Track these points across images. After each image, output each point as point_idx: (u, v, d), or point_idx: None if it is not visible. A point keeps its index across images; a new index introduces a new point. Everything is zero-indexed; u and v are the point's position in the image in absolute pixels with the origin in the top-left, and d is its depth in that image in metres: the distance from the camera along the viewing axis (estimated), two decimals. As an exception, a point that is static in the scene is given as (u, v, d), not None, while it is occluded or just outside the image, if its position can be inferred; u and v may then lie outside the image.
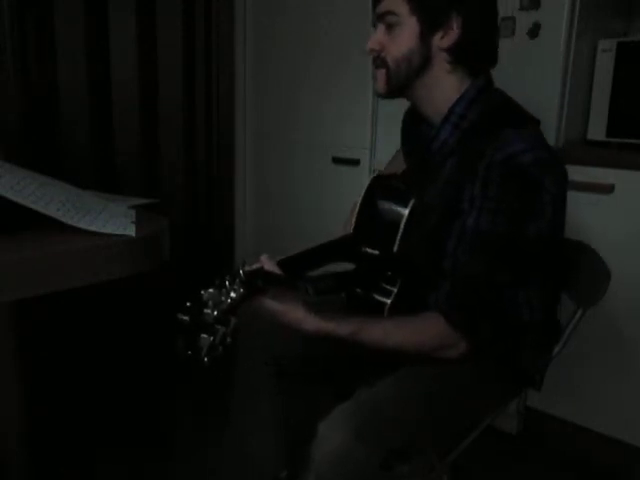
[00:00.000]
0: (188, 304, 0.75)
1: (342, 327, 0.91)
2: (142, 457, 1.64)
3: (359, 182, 2.09)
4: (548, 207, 0.89)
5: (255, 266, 0.87)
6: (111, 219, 0.84)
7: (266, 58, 2.38)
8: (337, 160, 2.16)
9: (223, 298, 0.76)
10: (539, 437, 1.77)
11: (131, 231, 0.81)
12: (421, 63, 0.95)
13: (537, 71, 1.62)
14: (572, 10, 1.57)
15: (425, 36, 0.93)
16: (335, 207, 2.14)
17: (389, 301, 1.00)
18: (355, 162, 2.10)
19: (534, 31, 1.61)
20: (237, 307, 0.77)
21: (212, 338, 0.74)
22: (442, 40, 0.94)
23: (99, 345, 2.02)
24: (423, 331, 0.94)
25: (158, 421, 1.83)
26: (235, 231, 2.61)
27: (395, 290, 1.00)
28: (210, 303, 0.75)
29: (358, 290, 1.05)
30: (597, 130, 1.66)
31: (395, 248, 0.99)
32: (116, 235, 0.79)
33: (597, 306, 1.09)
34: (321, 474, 0.89)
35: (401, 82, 0.97)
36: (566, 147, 1.65)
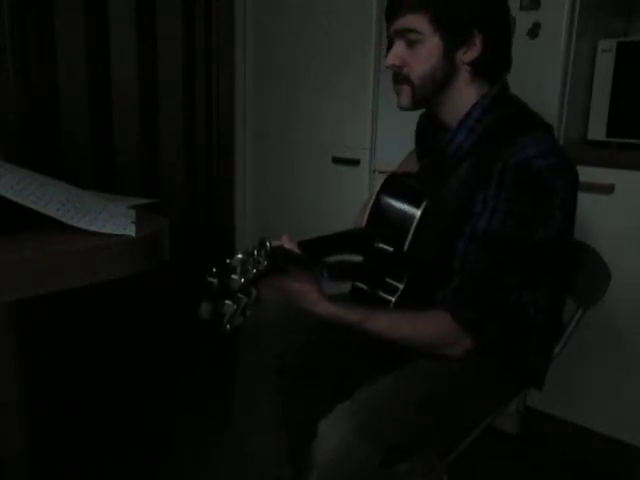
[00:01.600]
0: (215, 269, 0.74)
1: (351, 314, 0.93)
2: (142, 457, 1.63)
3: (359, 182, 2.09)
4: (558, 211, 0.91)
5: (276, 243, 0.87)
6: (111, 219, 0.84)
7: (266, 58, 2.38)
8: (337, 160, 2.16)
9: (250, 267, 0.75)
10: (539, 437, 1.77)
11: (131, 231, 0.80)
12: (445, 78, 0.97)
13: (537, 71, 1.62)
14: (572, 10, 1.57)
15: (449, 53, 0.96)
16: (335, 207, 2.15)
17: (394, 299, 1.01)
18: (355, 162, 2.10)
19: (534, 31, 1.61)
20: (259, 279, 0.77)
21: (235, 306, 0.73)
22: (465, 55, 0.96)
23: (99, 345, 2.02)
24: (428, 326, 0.95)
25: (158, 421, 1.83)
26: (235, 231, 2.61)
27: (401, 287, 1.01)
28: (238, 269, 0.74)
29: (364, 286, 1.05)
30: (597, 130, 1.66)
31: (406, 246, 1.00)
32: (116, 235, 0.78)
33: (597, 306, 1.09)
34: (322, 473, 0.89)
35: (426, 96, 1.00)
36: (566, 147, 1.65)
